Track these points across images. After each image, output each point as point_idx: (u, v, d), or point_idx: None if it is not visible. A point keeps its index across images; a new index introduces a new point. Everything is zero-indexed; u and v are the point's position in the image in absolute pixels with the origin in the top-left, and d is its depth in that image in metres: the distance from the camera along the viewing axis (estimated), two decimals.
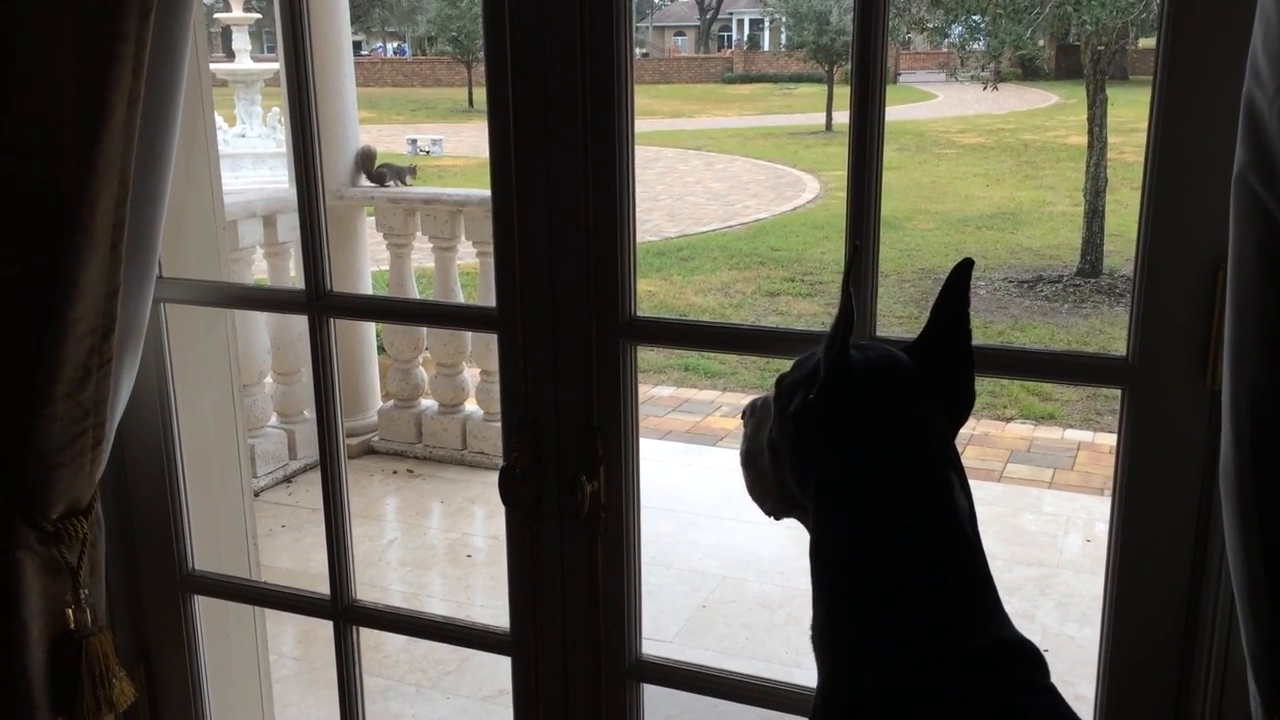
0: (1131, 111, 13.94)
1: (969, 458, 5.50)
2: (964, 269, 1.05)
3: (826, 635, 1.00)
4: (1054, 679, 0.96)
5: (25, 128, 1.30)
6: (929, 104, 29.87)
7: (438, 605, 3.87)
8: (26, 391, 1.37)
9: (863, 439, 1.00)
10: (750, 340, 1.63)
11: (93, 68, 1.26)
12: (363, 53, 47.58)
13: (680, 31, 56.19)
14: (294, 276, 4.78)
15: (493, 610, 3.73)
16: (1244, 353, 0.86)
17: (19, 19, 1.27)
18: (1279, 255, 0.82)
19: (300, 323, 1.60)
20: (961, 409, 1.05)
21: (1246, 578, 0.89)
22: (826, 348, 0.99)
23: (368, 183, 4.97)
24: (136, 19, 1.26)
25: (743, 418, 1.17)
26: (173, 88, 1.44)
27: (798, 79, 36.65)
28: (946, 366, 1.04)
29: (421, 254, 5.19)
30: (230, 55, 15.42)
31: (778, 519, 1.14)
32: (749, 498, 1.16)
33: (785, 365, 1.12)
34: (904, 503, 0.97)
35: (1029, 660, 0.95)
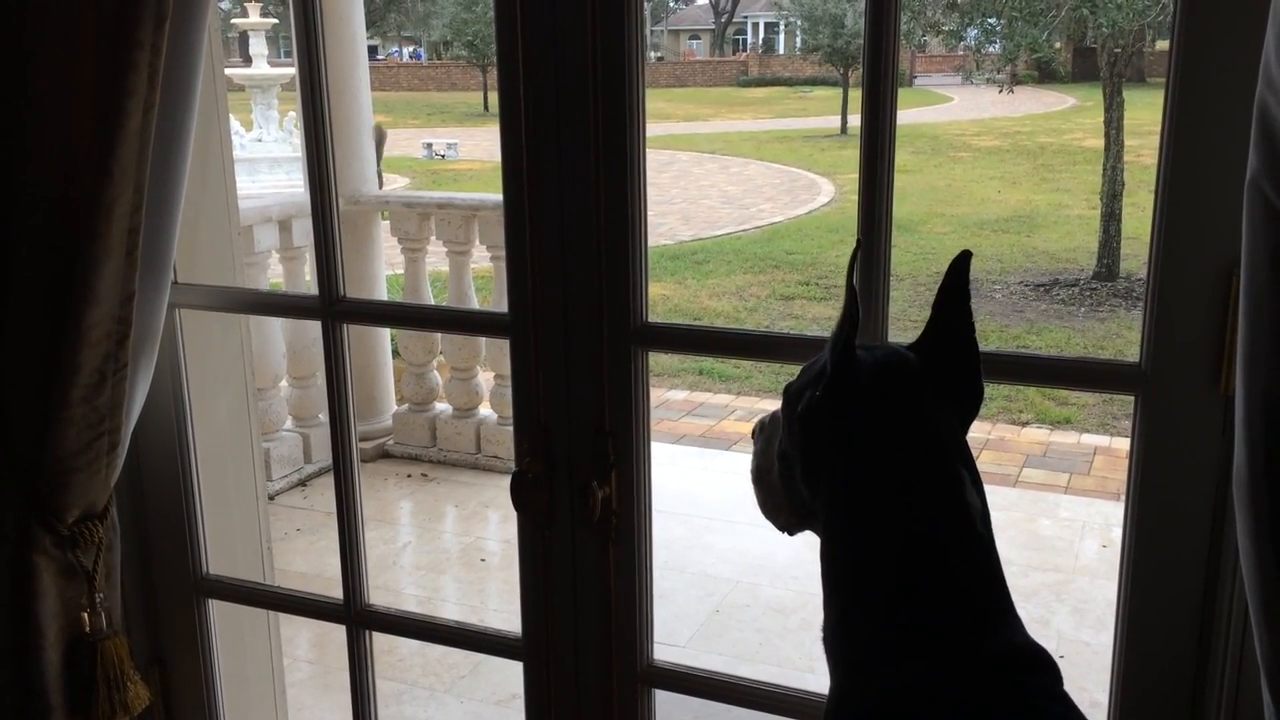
0: (1148, 114, 13.86)
1: (984, 462, 5.48)
2: (962, 262, 1.04)
3: (838, 637, 1.00)
4: (1070, 685, 0.96)
5: (42, 135, 1.31)
6: (945, 107, 29.81)
7: (452, 609, 3.87)
8: (43, 396, 1.39)
9: (871, 437, 0.99)
10: (761, 345, 1.62)
11: (109, 75, 1.27)
12: (378, 57, 47.77)
13: (695, 35, 56.25)
14: (309, 281, 4.80)
15: (506, 614, 3.74)
16: (1257, 359, 0.85)
17: (37, 28, 1.28)
18: None
19: (315, 327, 1.61)
20: (971, 404, 1.04)
21: (1260, 584, 0.89)
22: (831, 345, 0.99)
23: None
24: (152, 27, 1.27)
25: (753, 436, 1.17)
26: (188, 95, 1.45)
27: (813, 82, 36.64)
28: (953, 362, 1.04)
29: (436, 258, 5.21)
30: (247, 60, 15.52)
31: (792, 534, 1.13)
32: (762, 515, 1.15)
33: (798, 370, 1.11)
34: (914, 500, 0.96)
35: (1042, 666, 0.95)
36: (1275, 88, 0.81)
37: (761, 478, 1.14)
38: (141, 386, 1.54)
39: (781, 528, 1.14)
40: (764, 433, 1.14)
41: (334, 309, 1.59)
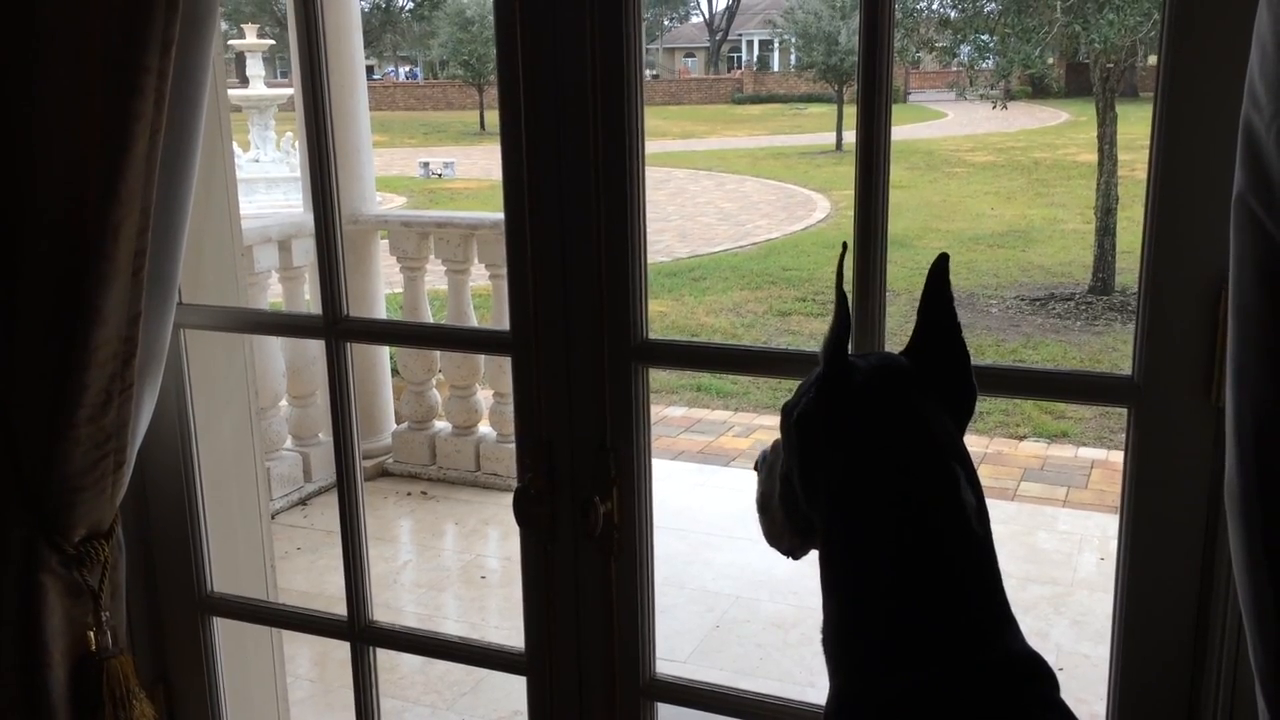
0: (1142, 129, 13.88)
1: (982, 476, 5.41)
2: (940, 265, 1.07)
3: (837, 639, 1.01)
4: (1069, 698, 0.97)
5: (51, 157, 1.33)
6: (939, 122, 29.92)
7: (452, 627, 3.87)
8: (50, 416, 1.40)
9: (865, 435, 1.00)
10: (760, 361, 1.64)
11: (116, 99, 1.29)
12: (375, 76, 47.90)
13: (690, 53, 56.46)
14: (309, 300, 4.81)
15: (507, 631, 3.74)
16: (1245, 371, 0.87)
17: (45, 52, 1.30)
18: (1278, 275, 0.83)
19: (315, 346, 1.62)
20: (965, 403, 1.06)
21: (1253, 594, 0.90)
22: (824, 347, 1.01)
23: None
24: (158, 53, 1.29)
25: (755, 468, 1.18)
26: (193, 118, 1.47)
27: (807, 99, 36.79)
28: (943, 363, 1.06)
29: (434, 276, 5.23)
30: (244, 81, 15.57)
31: (796, 558, 1.15)
32: (768, 544, 1.17)
33: (795, 386, 1.13)
34: (909, 497, 0.98)
35: (1040, 674, 0.96)
36: (1259, 106, 0.84)
37: (765, 505, 1.15)
38: (147, 406, 1.56)
39: (786, 553, 1.15)
40: (766, 462, 1.16)
41: (337, 328, 1.61)
